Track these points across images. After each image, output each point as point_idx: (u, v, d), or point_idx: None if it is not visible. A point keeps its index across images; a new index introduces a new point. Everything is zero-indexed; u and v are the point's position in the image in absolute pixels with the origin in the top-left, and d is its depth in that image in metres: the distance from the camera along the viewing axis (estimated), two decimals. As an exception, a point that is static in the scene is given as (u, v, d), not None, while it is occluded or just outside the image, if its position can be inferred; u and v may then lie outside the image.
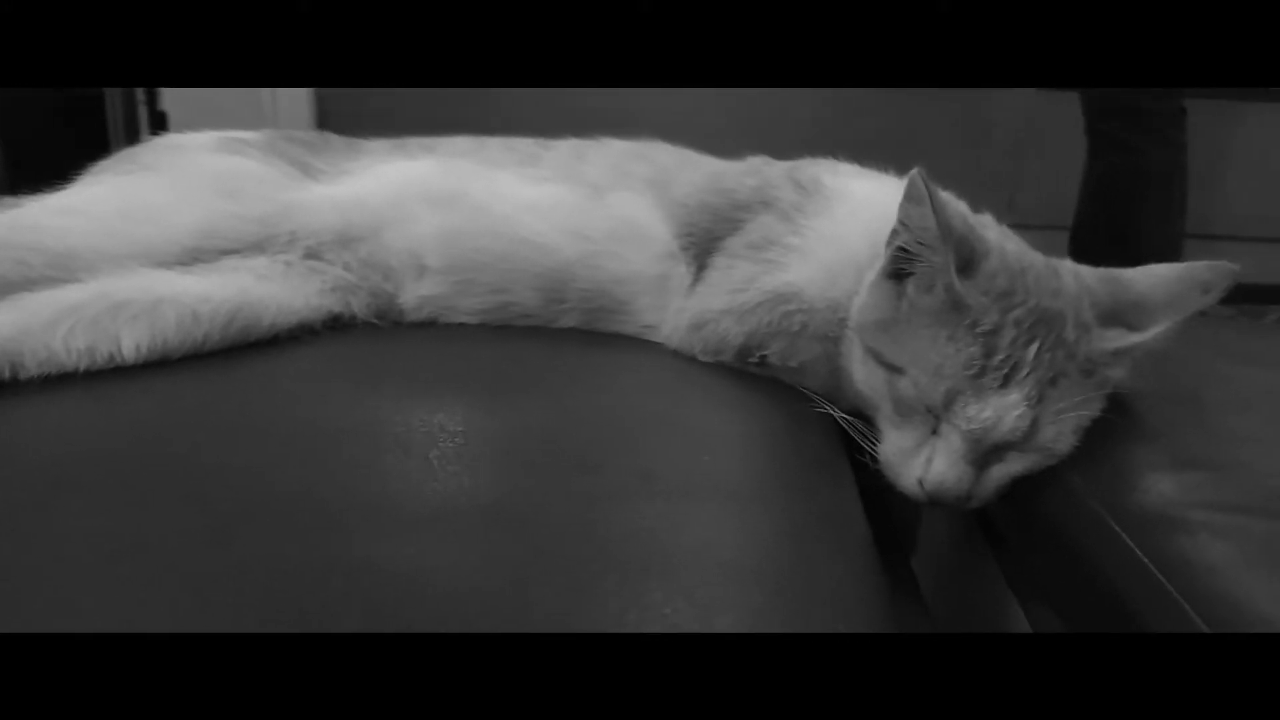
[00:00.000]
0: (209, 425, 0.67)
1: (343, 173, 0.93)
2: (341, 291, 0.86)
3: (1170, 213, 1.88)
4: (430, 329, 0.88)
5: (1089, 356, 0.72)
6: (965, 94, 2.29)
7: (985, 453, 0.71)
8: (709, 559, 0.55)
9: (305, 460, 0.62)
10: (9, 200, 0.86)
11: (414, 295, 0.89)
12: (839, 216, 0.86)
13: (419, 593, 0.50)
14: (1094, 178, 1.94)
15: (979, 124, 2.40)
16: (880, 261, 0.77)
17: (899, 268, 0.75)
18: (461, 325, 0.89)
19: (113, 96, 2.14)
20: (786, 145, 0.99)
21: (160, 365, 0.73)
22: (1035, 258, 0.78)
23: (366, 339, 0.84)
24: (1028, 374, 0.70)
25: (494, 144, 0.98)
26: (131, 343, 0.73)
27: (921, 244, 0.73)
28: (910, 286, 0.74)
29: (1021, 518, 0.75)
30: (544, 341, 0.86)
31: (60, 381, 0.70)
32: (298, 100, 2.22)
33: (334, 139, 1.01)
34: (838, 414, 0.78)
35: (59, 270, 0.78)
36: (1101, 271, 0.78)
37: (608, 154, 0.96)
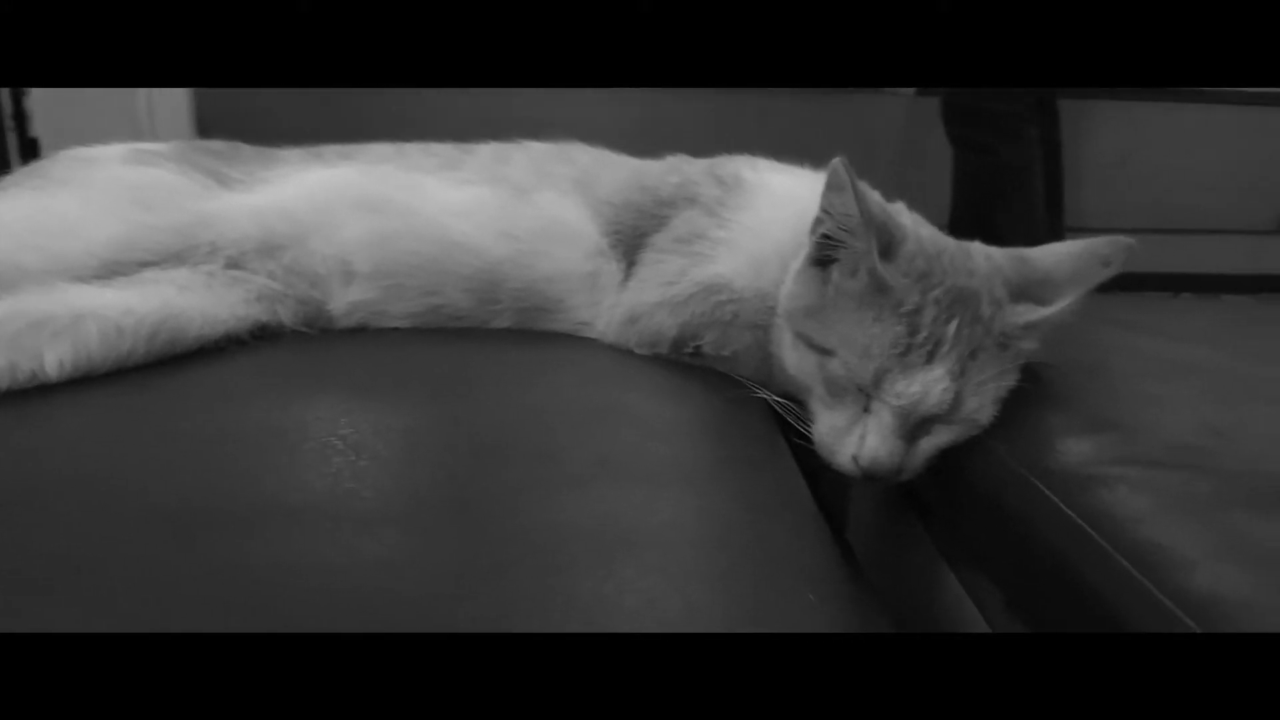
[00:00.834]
0: (133, 439, 0.65)
1: (260, 181, 0.92)
2: (268, 300, 0.85)
3: (1032, 208, 1.99)
4: (363, 335, 0.87)
5: (1003, 331, 0.77)
6: (846, 97, 2.36)
7: (914, 427, 0.75)
8: (675, 535, 0.57)
9: (238, 467, 0.61)
10: None
11: (343, 301, 0.88)
12: (761, 209, 0.89)
13: (393, 588, 0.49)
14: (958, 178, 2.04)
15: (862, 128, 2.48)
16: (805, 250, 0.80)
17: (824, 255, 0.78)
18: (395, 330, 0.88)
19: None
20: (669, 147, 1.01)
21: (85, 381, 0.71)
22: (948, 241, 0.82)
23: (297, 347, 0.83)
24: (949, 349, 0.74)
25: (413, 149, 0.98)
26: (55, 359, 0.70)
27: (845, 230, 0.76)
28: (835, 272, 0.77)
29: (951, 487, 0.78)
30: (480, 342, 0.86)
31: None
32: (177, 112, 2.13)
33: (245, 148, 0.99)
34: (772, 398, 0.81)
35: None
36: (1009, 251, 0.83)
37: (530, 156, 0.97)
